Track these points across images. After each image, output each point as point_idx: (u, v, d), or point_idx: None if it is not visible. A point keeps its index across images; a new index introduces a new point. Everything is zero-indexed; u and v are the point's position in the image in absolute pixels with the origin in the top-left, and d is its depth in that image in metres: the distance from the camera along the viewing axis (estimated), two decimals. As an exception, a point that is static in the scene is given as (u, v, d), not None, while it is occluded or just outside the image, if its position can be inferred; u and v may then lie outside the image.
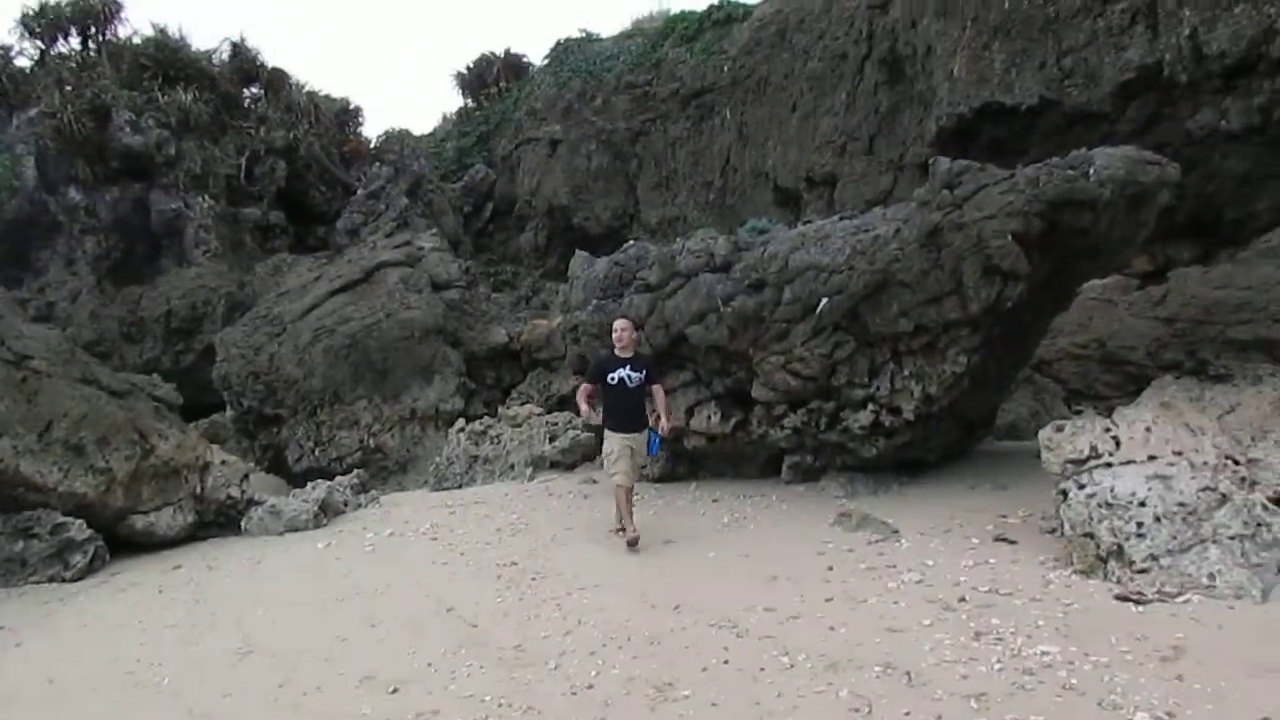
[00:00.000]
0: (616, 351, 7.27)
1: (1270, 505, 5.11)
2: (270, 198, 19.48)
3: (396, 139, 23.23)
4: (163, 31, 19.91)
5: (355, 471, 10.89)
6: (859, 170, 15.52)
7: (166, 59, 19.16)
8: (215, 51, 20.82)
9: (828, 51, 16.18)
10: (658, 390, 7.37)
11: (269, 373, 13.41)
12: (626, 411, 7.22)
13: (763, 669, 4.33)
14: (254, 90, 21.19)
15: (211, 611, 6.36)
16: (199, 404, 14.16)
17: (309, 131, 20.34)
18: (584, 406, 7.35)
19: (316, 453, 13.12)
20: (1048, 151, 8.43)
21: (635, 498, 8.56)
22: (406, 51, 72.25)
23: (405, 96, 65.21)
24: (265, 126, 19.81)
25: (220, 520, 8.91)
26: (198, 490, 8.73)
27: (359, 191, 19.52)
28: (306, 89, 21.80)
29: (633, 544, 6.88)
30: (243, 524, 8.85)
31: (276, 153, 19.57)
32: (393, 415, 13.19)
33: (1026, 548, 5.86)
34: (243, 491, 9.08)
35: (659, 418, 7.25)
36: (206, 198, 18.04)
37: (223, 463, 9.16)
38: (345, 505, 9.53)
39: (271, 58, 22.54)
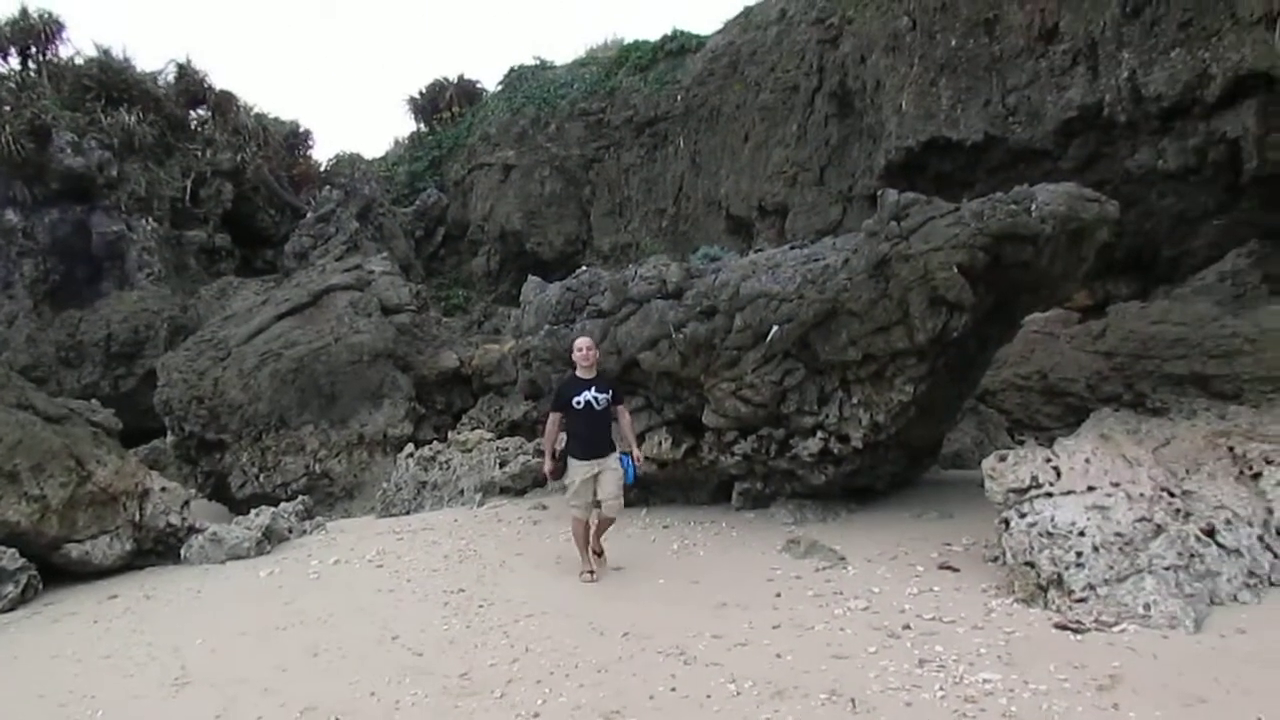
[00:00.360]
0: (579, 373, 6.88)
1: (1203, 536, 5.26)
2: (216, 220, 19.15)
3: (347, 162, 23.07)
4: (106, 52, 19.53)
5: (300, 498, 10.67)
6: (810, 200, 15.78)
7: (110, 80, 18.79)
8: (161, 73, 20.47)
9: (779, 84, 16.47)
10: (623, 413, 7.06)
11: (213, 398, 13.12)
12: (593, 436, 6.80)
13: (709, 696, 4.31)
14: (201, 112, 20.87)
15: (149, 642, 6.16)
16: (140, 430, 13.80)
17: (257, 154, 20.08)
18: (548, 462, 6.97)
19: (261, 479, 12.85)
20: (993, 186, 8.67)
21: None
22: (358, 75, 71.97)
23: (357, 120, 64.86)
24: (212, 148, 19.51)
25: (159, 549, 8.65)
26: (136, 518, 8.48)
27: (308, 215, 19.28)
28: (255, 111, 21.56)
29: (592, 577, 6.76)
30: (183, 552, 8.61)
31: (223, 175, 19.27)
32: (340, 440, 12.98)
33: (970, 575, 5.94)
34: (183, 519, 8.83)
35: (634, 455, 6.93)
36: (150, 220, 17.67)
37: (163, 489, 8.91)
38: (290, 532, 9.32)
39: (219, 80, 22.33)
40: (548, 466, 6.97)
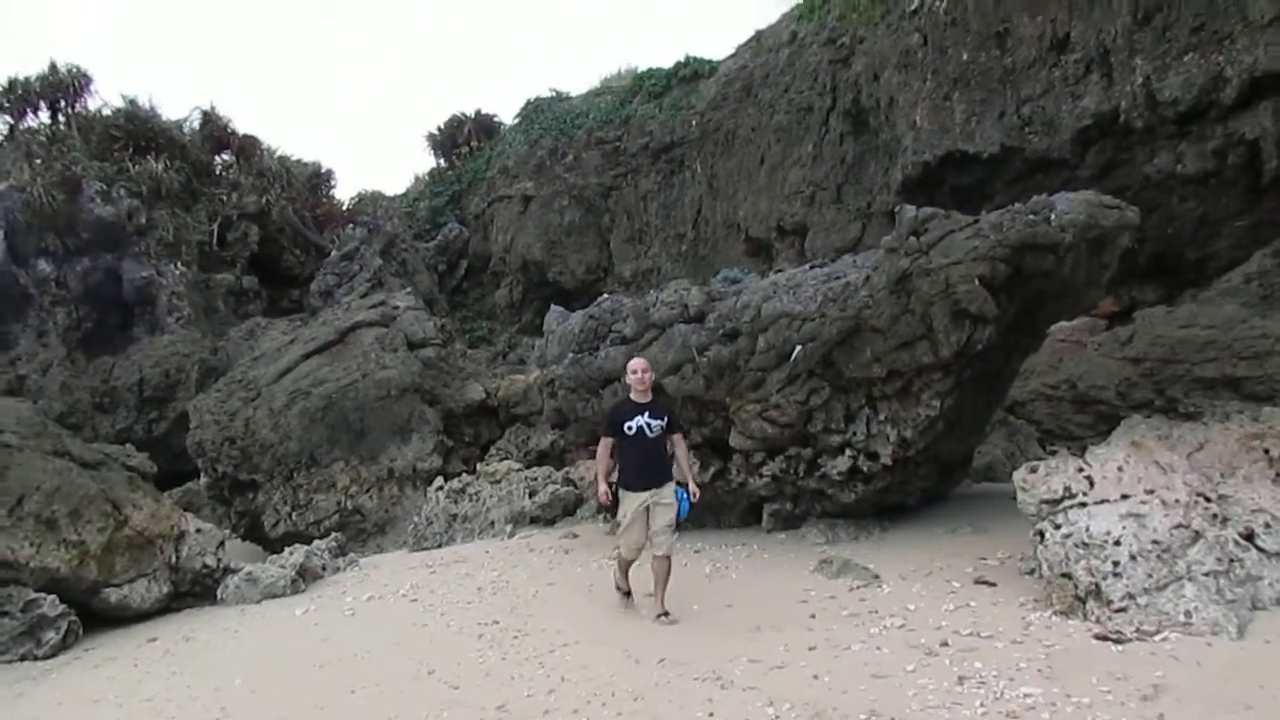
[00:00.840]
0: (632, 396, 6.43)
1: (1241, 541, 5.19)
2: (243, 263, 19.52)
3: (369, 200, 23.44)
4: (133, 102, 20.07)
5: (333, 535, 10.76)
6: (828, 219, 15.81)
7: (137, 129, 19.29)
8: (186, 120, 21.02)
9: (793, 105, 16.58)
10: (679, 443, 6.57)
11: (244, 438, 13.28)
12: (647, 464, 6.32)
13: (748, 721, 4.30)
14: (225, 157, 21.36)
15: (188, 684, 6.22)
16: (173, 473, 13.98)
17: (281, 195, 20.47)
18: (602, 485, 6.42)
19: (294, 517, 12.95)
20: (1011, 197, 8.68)
21: (615, 551, 8.55)
22: (378, 114, 73.18)
23: (378, 159, 65.90)
24: (237, 192, 19.93)
25: (196, 590, 8.75)
26: (173, 560, 8.59)
27: (332, 253, 19.59)
28: (278, 154, 22.01)
29: (627, 595, 6.70)
30: (219, 593, 8.69)
31: (249, 218, 19.66)
32: (370, 476, 13.07)
33: (1006, 589, 5.88)
34: (219, 560, 8.93)
35: (691, 490, 6.43)
36: (179, 265, 18.04)
37: (198, 531, 9.03)
38: (323, 569, 9.39)
39: (242, 124, 22.87)
40: (601, 490, 6.42)
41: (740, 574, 7.28)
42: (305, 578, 8.98)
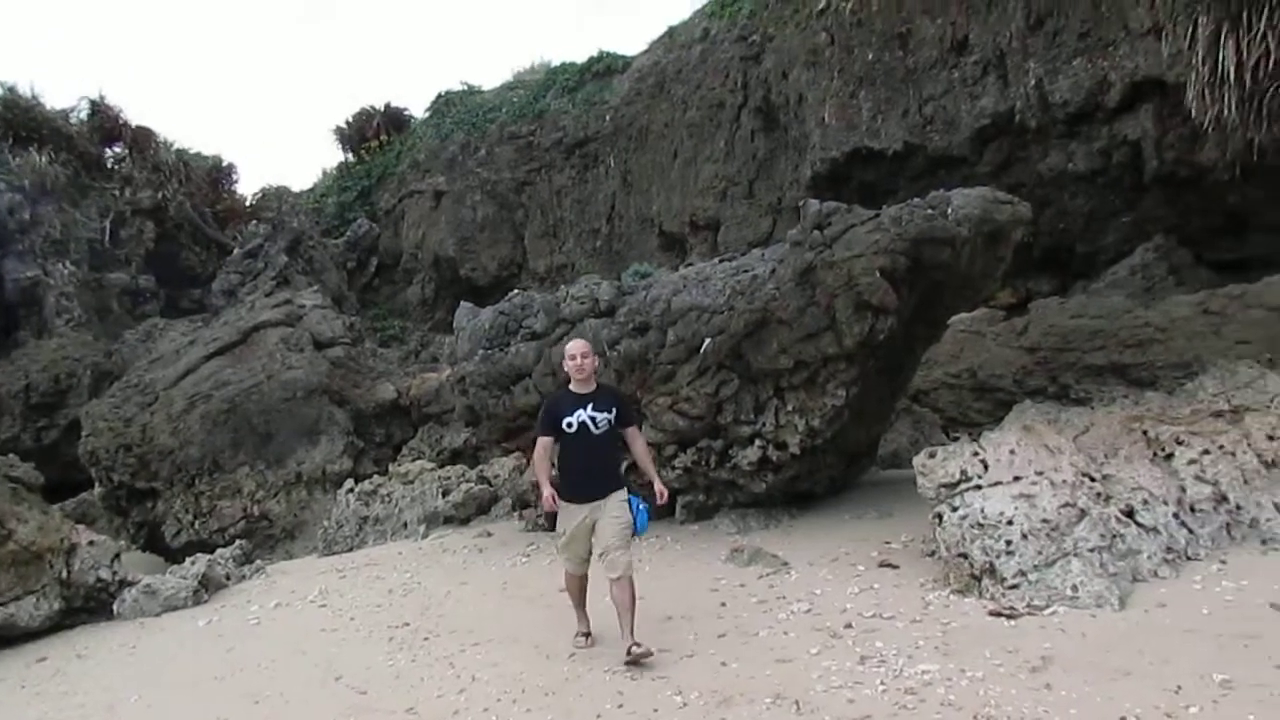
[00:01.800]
0: (572, 387, 5.45)
1: (1123, 517, 5.46)
2: (139, 261, 18.73)
3: (274, 196, 22.74)
4: (11, 90, 19.00)
5: (238, 542, 10.41)
6: (740, 214, 16.02)
7: (17, 118, 18.29)
8: (73, 110, 20.00)
9: (705, 101, 16.73)
10: (636, 438, 5.59)
11: (141, 444, 12.75)
12: (590, 468, 5.32)
13: (656, 710, 4.33)
14: (117, 150, 20.42)
15: (81, 703, 5.95)
16: (65, 483, 13.35)
17: (179, 190, 19.70)
18: (545, 489, 5.31)
19: (196, 526, 12.50)
20: (915, 193, 8.93)
21: (529, 548, 8.50)
22: (283, 107, 71.04)
23: (282, 153, 63.90)
24: (131, 187, 19.10)
25: (91, 605, 8.34)
26: (63, 575, 8.17)
27: (235, 251, 18.95)
28: (175, 147, 21.16)
29: (587, 639, 5.54)
30: (115, 607, 8.31)
31: (144, 214, 18.87)
32: (277, 480, 12.71)
33: (908, 571, 6.06)
34: (114, 573, 8.53)
35: (656, 489, 5.45)
36: (67, 264, 17.20)
37: (90, 543, 8.61)
38: (228, 579, 9.08)
39: (136, 115, 21.80)
40: (546, 495, 5.33)
41: (653, 566, 7.31)
42: (208, 588, 8.67)
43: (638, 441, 5.61)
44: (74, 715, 5.74)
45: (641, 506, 5.32)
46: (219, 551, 9.74)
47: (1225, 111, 8.28)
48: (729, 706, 4.28)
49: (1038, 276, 13.15)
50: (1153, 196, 11.39)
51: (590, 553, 5.41)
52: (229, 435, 12.87)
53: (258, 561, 9.92)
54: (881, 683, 4.29)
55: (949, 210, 7.44)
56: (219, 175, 22.80)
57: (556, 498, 5.29)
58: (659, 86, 18.08)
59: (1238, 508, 5.78)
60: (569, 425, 5.29)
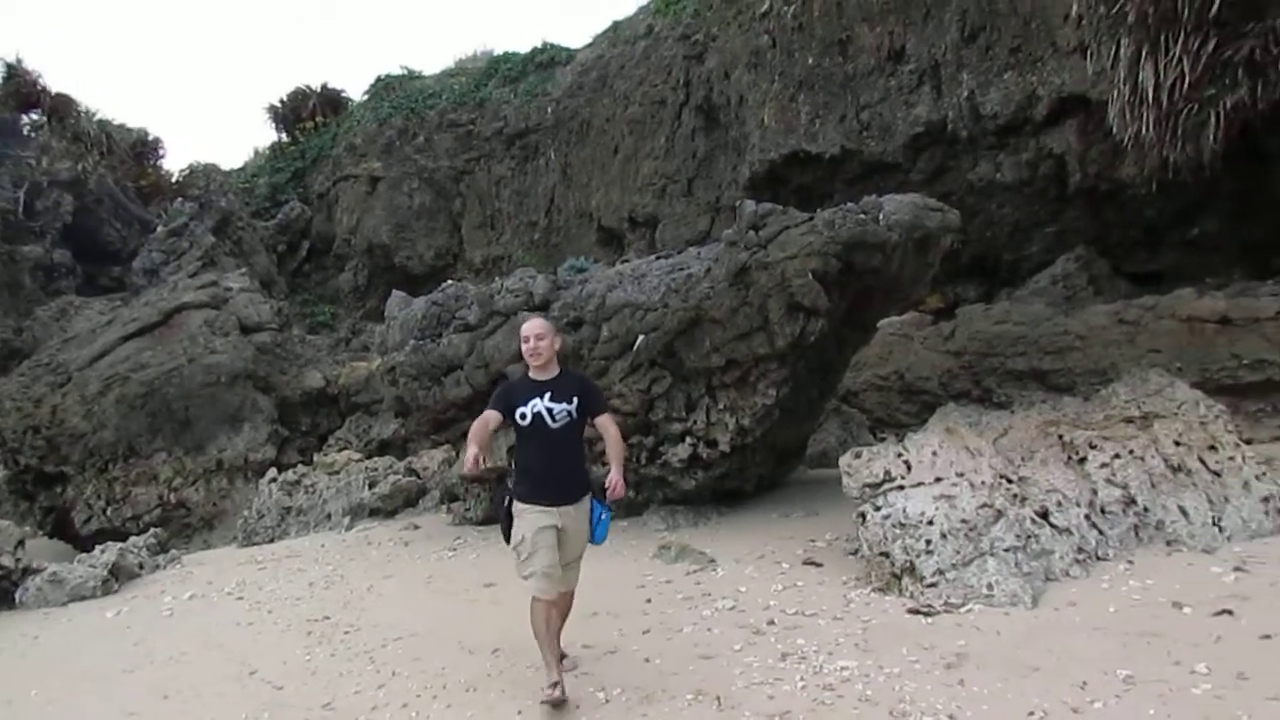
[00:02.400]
0: (531, 374, 4.74)
1: (1037, 518, 5.63)
2: (55, 235, 17.96)
3: (202, 173, 22.05)
4: (-81, 52, 18.08)
5: (153, 531, 10.09)
6: (679, 211, 16.07)
7: (-80, 79, 17.41)
8: (-15, 73, 19.11)
9: (647, 97, 16.74)
10: (608, 426, 4.77)
11: (51, 426, 12.27)
12: (552, 468, 4.57)
13: (578, 706, 4.32)
14: (34, 117, 19.55)
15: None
16: (-33, 464, 12.77)
17: (100, 163, 18.96)
18: (471, 449, 4.48)
19: (108, 512, 12.09)
20: (850, 197, 9.08)
21: (456, 542, 8.41)
22: (214, 82, 68.93)
23: (212, 129, 62.05)
24: (48, 157, 18.31)
25: (-10, 593, 8.01)
26: (-39, 560, 7.83)
27: (159, 229, 18.32)
28: (97, 117, 20.35)
29: (558, 705, 4.28)
30: (18, 596, 7.99)
31: (61, 185, 18.11)
32: (196, 468, 12.36)
33: (832, 569, 6.16)
34: (17, 560, 8.19)
35: (609, 479, 4.61)
36: (-22, 235, 16.44)
37: (-8, 527, 8.27)
38: (140, 568, 8.79)
39: (56, 82, 20.93)
40: (470, 454, 4.46)
41: (582, 562, 7.30)
42: (119, 577, 8.38)
43: (609, 430, 4.76)
44: (-31, 709, 5.49)
45: (604, 516, 4.66)
46: (132, 540, 9.43)
47: (1143, 129, 8.60)
48: (650, 703, 4.29)
49: (965, 283, 13.48)
50: (1075, 208, 11.77)
51: (559, 569, 4.53)
52: (146, 420, 12.46)
53: (173, 551, 9.64)
54: (801, 679, 4.35)
55: (881, 216, 7.58)
56: (144, 149, 22.01)
57: (479, 460, 4.43)
58: (602, 81, 18.03)
59: (1145, 510, 6.00)
60: (522, 416, 4.55)
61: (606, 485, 4.58)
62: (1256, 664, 3.98)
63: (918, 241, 7.88)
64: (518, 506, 4.58)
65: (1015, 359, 10.66)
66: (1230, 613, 4.63)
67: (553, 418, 4.56)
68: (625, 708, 4.27)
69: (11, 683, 5.83)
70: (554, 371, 4.74)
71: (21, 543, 8.37)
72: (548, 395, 4.60)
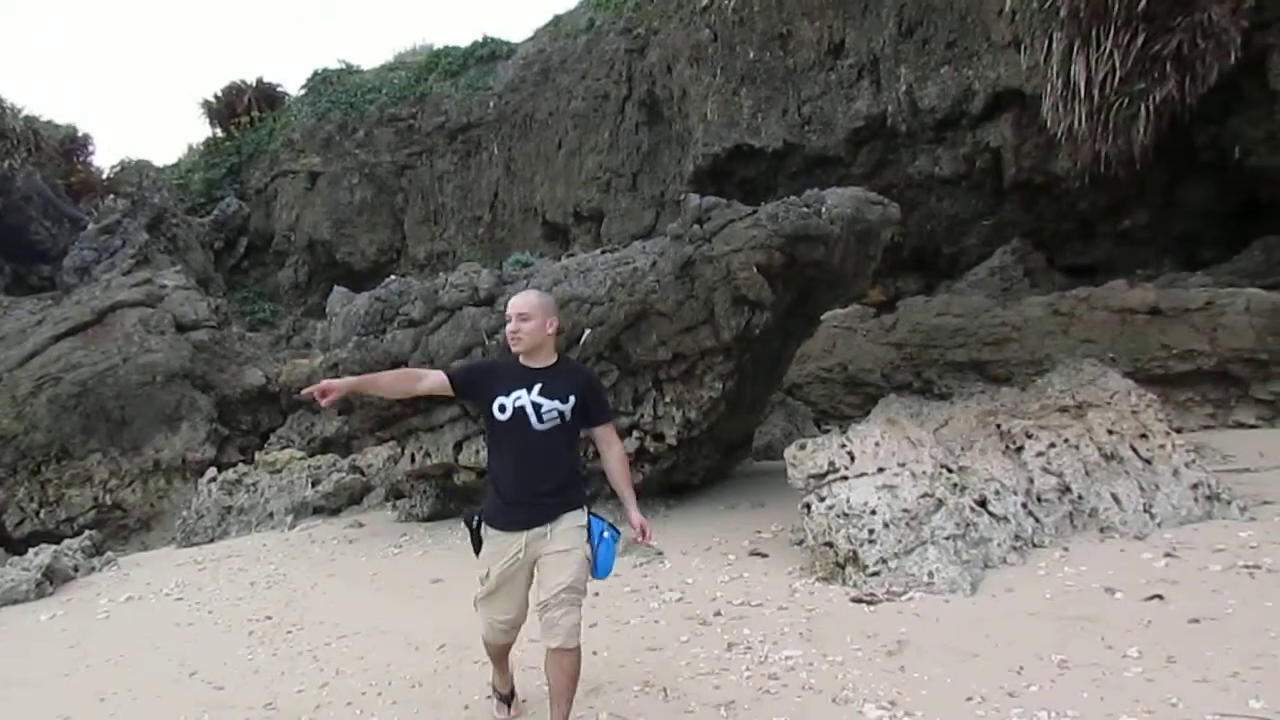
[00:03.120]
0: (523, 360, 3.80)
1: (976, 507, 5.77)
2: (-19, 233, 17.30)
3: (134, 170, 21.36)
4: None
5: (88, 533, 9.81)
6: (624, 206, 16.08)
7: None
8: (-95, 67, 18.28)
9: (590, 92, 16.70)
10: (607, 439, 3.97)
11: (-21, 428, 11.84)
12: (526, 483, 3.69)
13: (525, 700, 4.32)
14: (-44, 113, 18.78)
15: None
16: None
17: (27, 160, 18.28)
18: (345, 380, 3.88)
19: (42, 515, 11.72)
20: (793, 191, 9.17)
21: (402, 539, 8.33)
22: (146, 77, 67.02)
23: (144, 125, 60.26)
24: (-28, 153, 17.62)
25: (-86, 600, 7.72)
26: (-118, 568, 7.53)
27: (90, 226, 17.74)
28: (23, 113, 19.61)
29: (504, 705, 4.16)
30: (-56, 602, 7.72)
31: (-14, 182, 17.43)
32: (133, 468, 12.02)
33: (777, 560, 6.24)
34: (-57, 565, 7.93)
35: (630, 518, 3.93)
36: (-103, 233, 15.74)
37: (-84, 534, 7.97)
38: (76, 570, 8.55)
39: (-22, 78, 20.11)
40: (333, 384, 3.77)
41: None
42: (53, 580, 8.14)
43: (611, 447, 3.92)
44: (-108, 723, 5.28)
45: (606, 535, 3.78)
46: (66, 542, 9.17)
47: (1076, 123, 8.84)
48: (598, 694, 4.30)
49: (906, 275, 13.73)
50: (1011, 202, 12.05)
51: (523, 613, 3.82)
52: (80, 420, 12.10)
53: (109, 553, 9.38)
54: (747, 669, 4.40)
55: (823, 209, 7.67)
56: (73, 146, 21.24)
57: (344, 388, 3.74)
58: (544, 75, 17.94)
59: (1080, 498, 6.18)
60: (501, 409, 3.65)
61: (634, 529, 3.85)
62: (1185, 647, 4.12)
63: (859, 234, 7.99)
64: (486, 530, 3.74)
65: (955, 350, 10.88)
66: (1161, 597, 4.79)
67: (539, 417, 3.63)
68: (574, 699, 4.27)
69: (-63, 694, 5.62)
70: (549, 360, 3.77)
71: (-53, 549, 8.07)
72: (537, 388, 3.66)
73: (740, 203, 8.04)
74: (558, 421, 3.65)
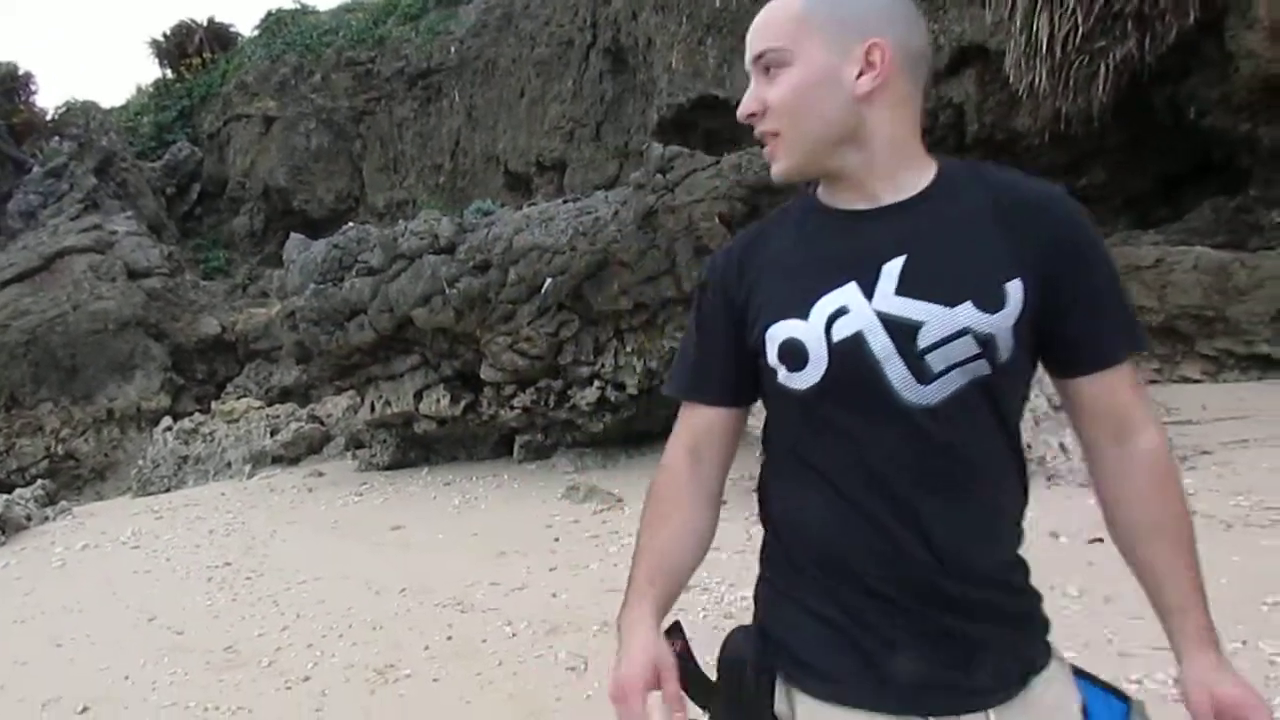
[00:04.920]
0: (824, 195, 1.26)
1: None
2: (-81, 175, 16.70)
3: (80, 111, 20.61)
4: None
5: (40, 482, 9.69)
6: (587, 156, 15.92)
7: None
8: None
9: (554, 38, 16.41)
10: (1127, 394, 1.19)
11: (-77, 376, 11.57)
12: (914, 544, 1.16)
13: (485, 640, 4.38)
14: (-110, 47, 17.98)
15: None
16: None
17: (-35, 98, 17.62)
18: (635, 640, 1.33)
19: (-9, 465, 11.54)
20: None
21: (363, 487, 8.33)
22: (90, 15, 64.51)
23: (89, 65, 58.15)
24: (-92, 91, 16.93)
25: None
26: None
27: (34, 169, 17.19)
28: (-38, 49, 18.83)
29: None
30: (-109, 551, 7.60)
31: (-76, 122, 16.79)
32: (85, 418, 11.85)
33: (735, 506, 6.23)
34: (-110, 513, 7.80)
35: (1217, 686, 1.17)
36: None
37: None
38: (29, 520, 8.46)
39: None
40: (624, 673, 1.26)
41: (489, 504, 7.34)
42: (6, 529, 8.06)
43: (1137, 441, 1.22)
44: None
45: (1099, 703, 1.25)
46: (18, 491, 9.05)
47: (1037, 80, 8.89)
48: (557, 635, 4.38)
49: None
50: (973, 158, 12.11)
51: None
52: (29, 369, 11.87)
53: (63, 503, 9.29)
54: (703, 609, 4.51)
55: (786, 160, 7.67)
56: (13, 85, 20.40)
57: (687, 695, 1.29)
58: (506, 20, 17.57)
59: (1029, 447, 6.34)
60: (787, 354, 1.22)
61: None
62: (1122, 587, 4.26)
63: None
64: (797, 699, 1.25)
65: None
66: (1101, 540, 4.95)
67: (917, 363, 1.15)
68: (532, 640, 4.34)
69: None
70: (911, 174, 1.23)
71: (-107, 497, 7.93)
72: (890, 272, 1.17)
73: (697, 152, 8.02)
74: (976, 372, 1.15)
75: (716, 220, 7.36)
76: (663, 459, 1.51)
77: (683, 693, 1.28)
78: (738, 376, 1.36)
